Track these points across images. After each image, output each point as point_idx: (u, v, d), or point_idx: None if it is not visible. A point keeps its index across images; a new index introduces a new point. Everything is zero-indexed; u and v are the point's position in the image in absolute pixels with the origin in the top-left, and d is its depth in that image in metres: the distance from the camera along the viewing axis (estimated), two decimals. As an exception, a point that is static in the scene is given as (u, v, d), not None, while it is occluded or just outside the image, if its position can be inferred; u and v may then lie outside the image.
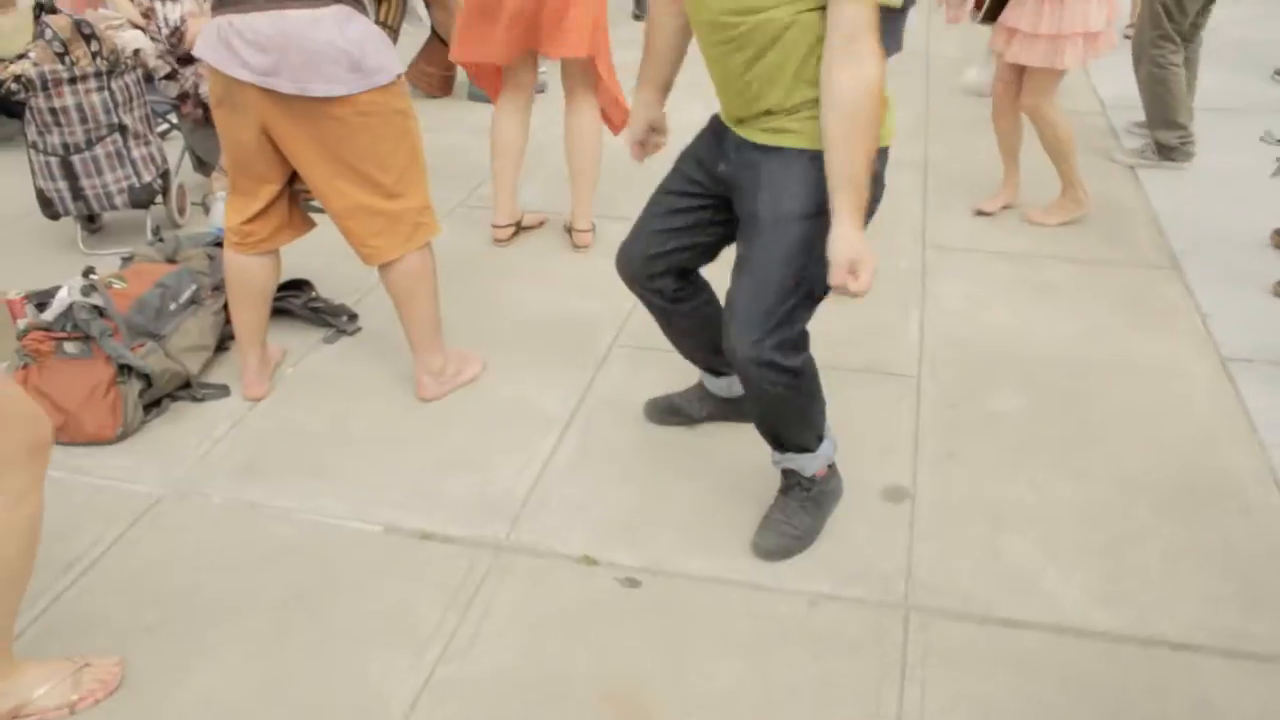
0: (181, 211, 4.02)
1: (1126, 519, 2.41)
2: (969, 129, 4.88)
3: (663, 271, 2.29)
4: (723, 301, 2.11)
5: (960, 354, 3.11)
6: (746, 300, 2.00)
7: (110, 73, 3.62)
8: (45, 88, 3.54)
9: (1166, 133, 4.41)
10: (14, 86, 3.66)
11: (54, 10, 3.75)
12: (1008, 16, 3.63)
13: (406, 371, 2.91)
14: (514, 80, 3.65)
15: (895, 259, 3.73)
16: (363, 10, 2.36)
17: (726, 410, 2.69)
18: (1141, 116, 4.63)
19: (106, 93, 3.62)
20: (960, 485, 2.53)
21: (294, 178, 2.57)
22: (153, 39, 3.98)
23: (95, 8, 4.67)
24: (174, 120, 4.25)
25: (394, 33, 2.48)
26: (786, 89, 1.92)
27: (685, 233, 2.24)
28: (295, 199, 2.63)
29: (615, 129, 3.72)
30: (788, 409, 2.14)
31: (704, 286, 2.40)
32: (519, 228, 3.89)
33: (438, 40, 5.26)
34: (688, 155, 2.25)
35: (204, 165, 4.20)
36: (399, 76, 2.42)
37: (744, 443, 2.56)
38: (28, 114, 3.62)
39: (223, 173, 3.93)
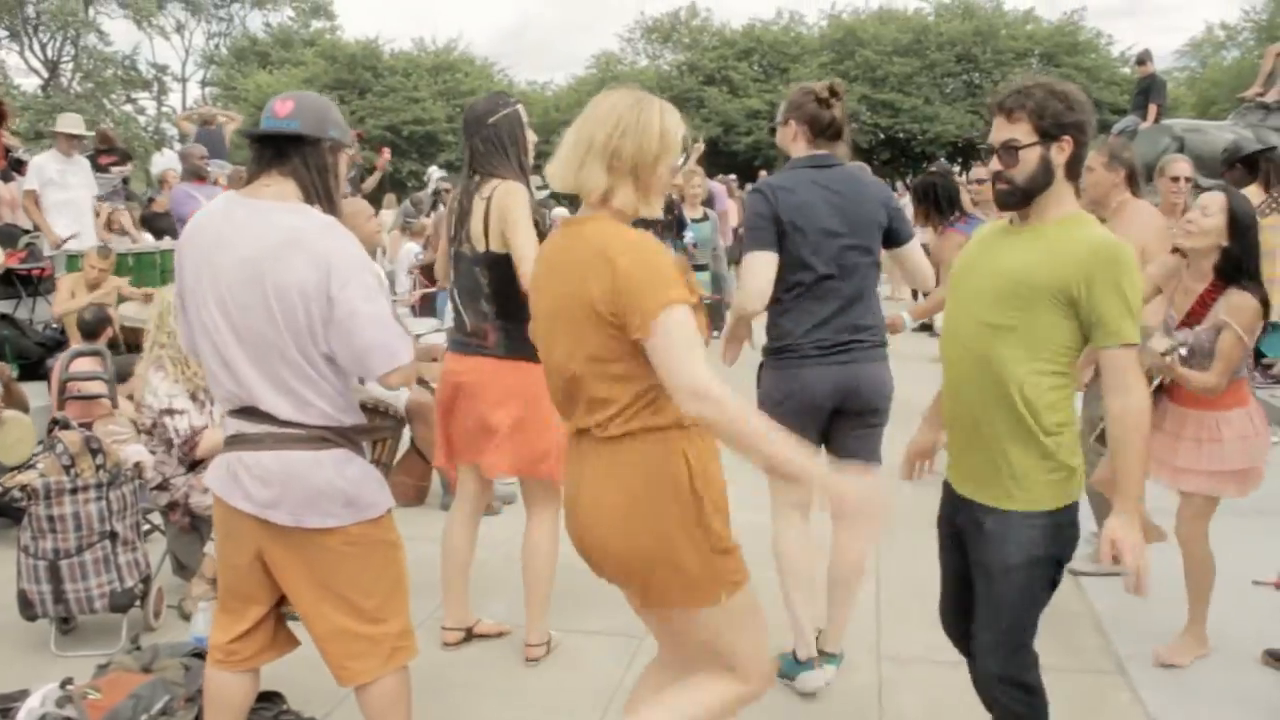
0: (157, 615, 4.11)
1: None
2: (920, 529, 5.10)
3: None
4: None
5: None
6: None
7: (110, 484, 3.86)
8: (48, 497, 3.75)
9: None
10: (18, 494, 3.88)
11: (67, 426, 4.04)
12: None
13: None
14: (461, 489, 3.89)
15: (847, 674, 3.73)
16: (361, 452, 2.63)
17: None
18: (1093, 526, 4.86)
19: (104, 502, 3.84)
20: None
21: (282, 599, 2.73)
22: (151, 450, 4.26)
23: (94, 416, 5.02)
24: (156, 522, 4.44)
25: (387, 469, 2.74)
26: None
27: None
28: (281, 620, 2.77)
29: None
30: None
31: None
32: (470, 634, 3.98)
33: (416, 453, 5.60)
34: None
35: (184, 569, 4.35)
36: (389, 510, 2.66)
37: None
38: (25, 519, 3.81)
39: (202, 578, 4.08)
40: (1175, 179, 5.39)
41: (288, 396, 2.50)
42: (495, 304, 3.63)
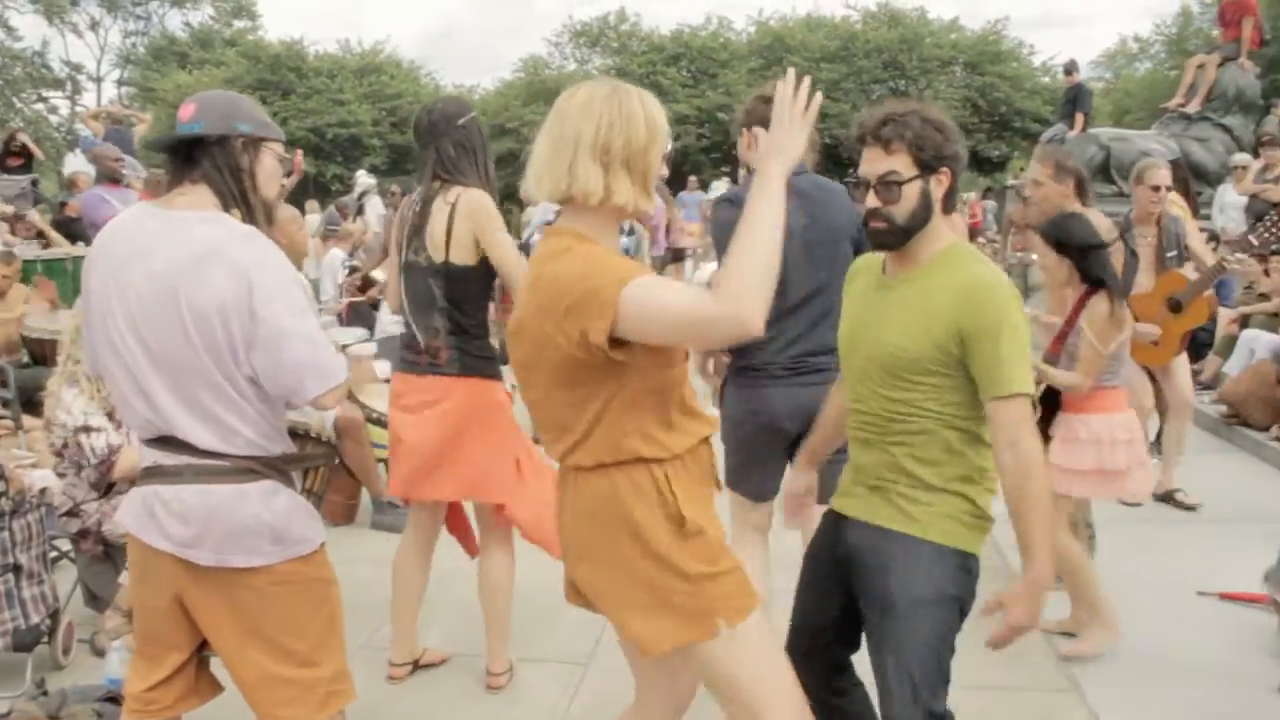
0: (66, 651, 3.84)
1: None
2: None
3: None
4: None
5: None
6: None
7: (13, 513, 3.59)
8: (-58, 530, 3.47)
9: None
10: (-91, 527, 3.59)
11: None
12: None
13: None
14: (414, 516, 3.71)
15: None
16: (290, 483, 2.43)
17: None
18: None
19: (6, 533, 3.57)
20: None
21: (204, 644, 2.51)
22: (60, 472, 3.99)
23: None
24: (66, 549, 4.17)
25: (319, 499, 2.55)
26: None
27: None
28: (204, 664, 2.56)
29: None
30: None
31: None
32: (416, 665, 3.82)
33: (344, 469, 5.38)
34: None
35: (96, 600, 4.08)
36: (322, 545, 2.46)
37: None
38: (-82, 554, 3.52)
39: (117, 610, 3.82)
40: (1155, 188, 5.27)
41: (209, 424, 2.29)
42: (449, 319, 3.43)
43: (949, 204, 2.37)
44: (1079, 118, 12.34)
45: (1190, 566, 4.83)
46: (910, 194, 2.31)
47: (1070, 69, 13.03)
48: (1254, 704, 3.60)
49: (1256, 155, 9.91)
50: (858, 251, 3.40)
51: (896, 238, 2.34)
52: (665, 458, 2.13)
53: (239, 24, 43.71)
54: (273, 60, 36.70)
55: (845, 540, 2.46)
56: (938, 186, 2.33)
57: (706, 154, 33.15)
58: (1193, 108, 12.11)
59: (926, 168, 2.31)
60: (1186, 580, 4.63)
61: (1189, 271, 5.38)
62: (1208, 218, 9.92)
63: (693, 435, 2.19)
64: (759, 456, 3.38)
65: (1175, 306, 5.27)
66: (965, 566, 2.38)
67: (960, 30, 37.79)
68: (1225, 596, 4.46)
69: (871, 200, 2.34)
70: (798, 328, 3.27)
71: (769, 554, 3.56)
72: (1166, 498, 5.68)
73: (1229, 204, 9.56)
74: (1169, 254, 5.35)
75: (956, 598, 2.35)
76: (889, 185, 2.31)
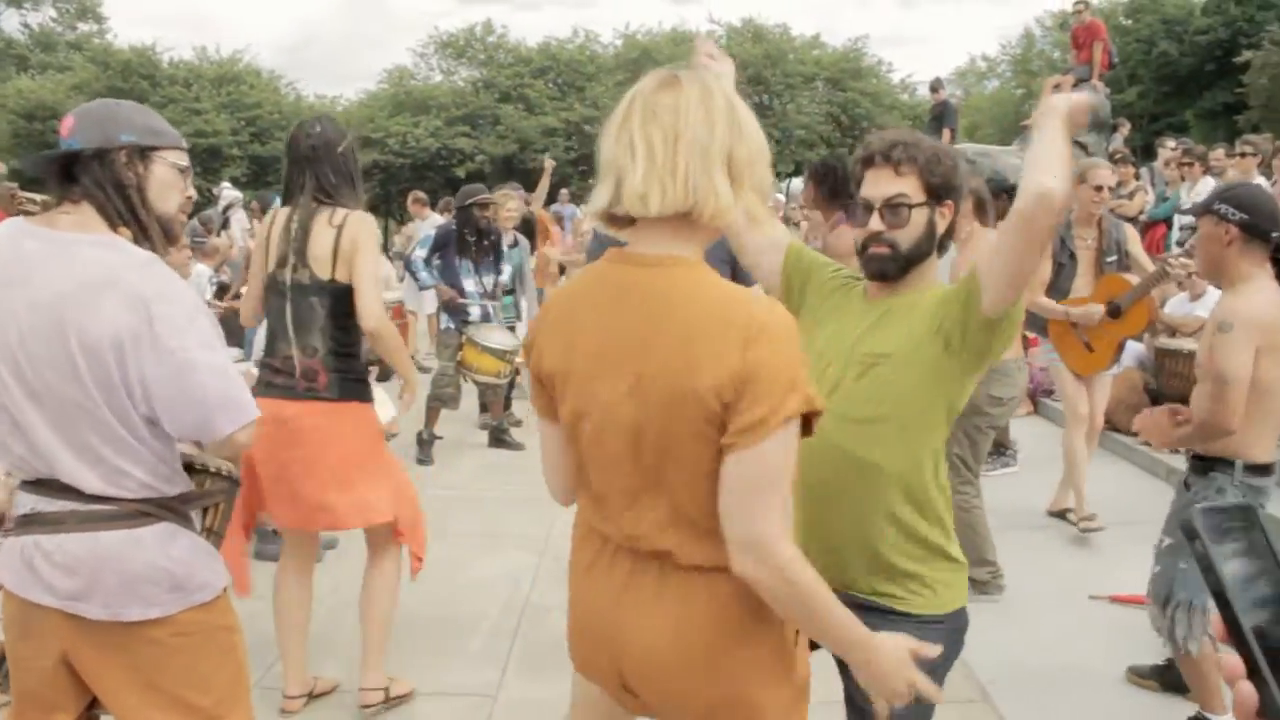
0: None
1: None
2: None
3: None
4: None
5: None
6: None
7: None
8: None
9: (978, 569, 4.64)
10: None
11: None
12: None
13: None
14: (290, 541, 3.62)
15: None
16: (188, 524, 2.22)
17: None
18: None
19: None
20: None
21: (93, 702, 2.28)
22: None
23: None
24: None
25: (219, 538, 2.35)
26: None
27: None
28: (93, 726, 2.33)
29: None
30: None
31: None
32: (311, 697, 3.67)
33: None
34: None
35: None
36: (225, 590, 2.27)
37: None
38: None
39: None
40: (1099, 188, 5.16)
41: (96, 467, 2.07)
42: (330, 339, 3.36)
43: (944, 243, 2.24)
44: (946, 133, 12.72)
45: (1080, 572, 4.97)
46: (918, 221, 2.17)
47: (936, 86, 13.44)
48: (1159, 705, 3.69)
49: (1111, 171, 10.37)
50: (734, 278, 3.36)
51: (897, 265, 2.18)
52: None
53: (84, 27, 41.70)
54: (123, 66, 35.22)
55: None
56: (942, 219, 2.20)
57: (575, 166, 33.12)
58: (1050, 125, 12.57)
59: (935, 196, 2.18)
60: (1079, 586, 4.75)
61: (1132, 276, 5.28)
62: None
63: None
64: None
65: (1114, 311, 5.20)
66: (958, 628, 2.22)
67: (822, 47, 38.83)
68: (1116, 599, 4.59)
69: (875, 223, 2.18)
70: None
71: None
72: (1060, 515, 5.73)
73: (1087, 218, 9.98)
74: (1109, 258, 5.27)
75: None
76: (896, 208, 2.16)
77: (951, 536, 2.24)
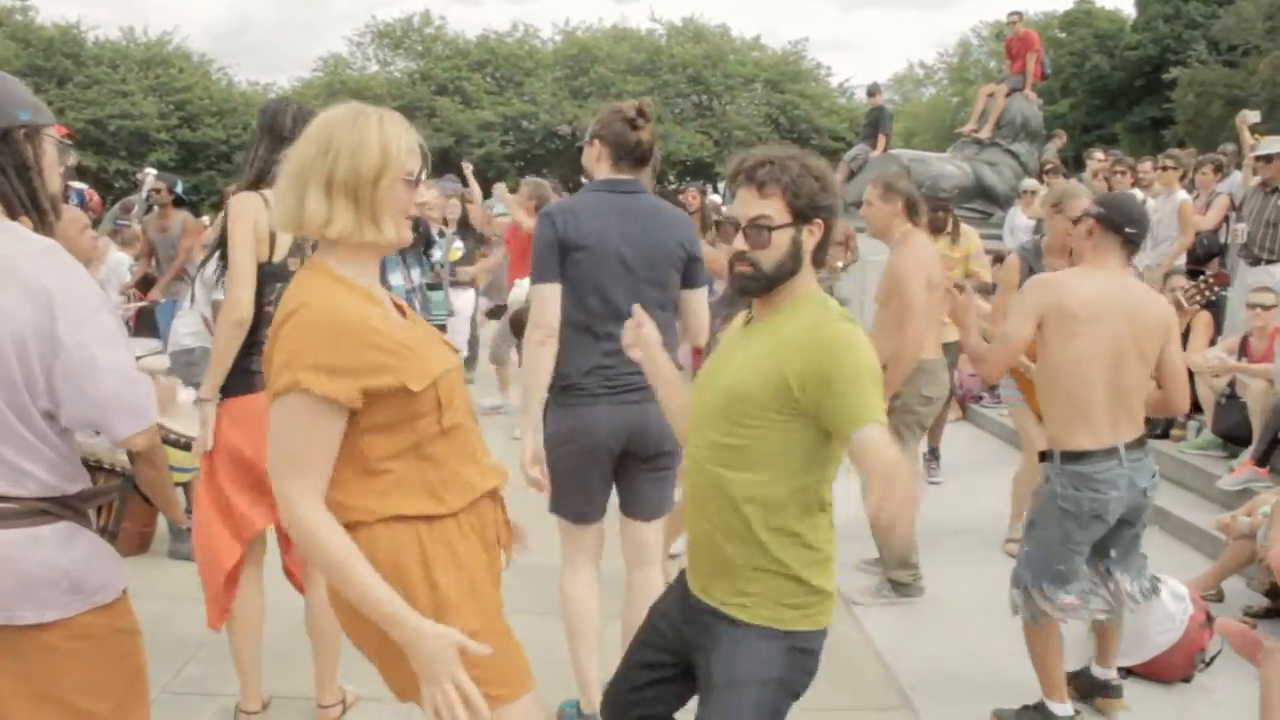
0: None
1: None
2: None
3: None
4: None
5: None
6: None
7: None
8: None
9: (901, 571, 4.68)
10: None
11: None
12: None
13: None
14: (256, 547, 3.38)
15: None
16: (87, 523, 2.13)
17: None
18: (870, 554, 4.92)
19: None
20: None
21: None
22: None
23: None
24: None
25: (113, 536, 2.25)
26: None
27: None
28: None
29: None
30: None
31: None
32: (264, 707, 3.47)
33: (139, 495, 4.90)
34: None
35: None
36: (124, 592, 2.17)
37: None
38: None
39: None
40: (1077, 221, 5.11)
41: (-6, 467, 1.96)
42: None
43: (819, 257, 2.26)
44: (881, 139, 12.84)
45: (1003, 578, 4.98)
46: (780, 242, 2.20)
47: (873, 91, 13.56)
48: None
49: (1041, 180, 10.54)
50: (688, 278, 3.35)
51: (760, 284, 2.24)
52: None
53: (4, 3, 40.44)
54: (46, 44, 34.30)
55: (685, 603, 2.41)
56: (809, 237, 2.22)
57: (511, 161, 32.93)
58: (985, 134, 12.79)
59: (800, 216, 2.20)
60: (1001, 592, 4.76)
61: None
62: (999, 239, 10.46)
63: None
64: (582, 477, 3.28)
65: None
66: (797, 648, 2.27)
67: (762, 49, 39.08)
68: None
69: (739, 243, 2.22)
70: (612, 345, 3.07)
71: (599, 579, 3.46)
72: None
73: (1019, 226, 10.11)
74: None
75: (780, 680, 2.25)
76: (759, 229, 2.19)
77: (819, 567, 2.27)
